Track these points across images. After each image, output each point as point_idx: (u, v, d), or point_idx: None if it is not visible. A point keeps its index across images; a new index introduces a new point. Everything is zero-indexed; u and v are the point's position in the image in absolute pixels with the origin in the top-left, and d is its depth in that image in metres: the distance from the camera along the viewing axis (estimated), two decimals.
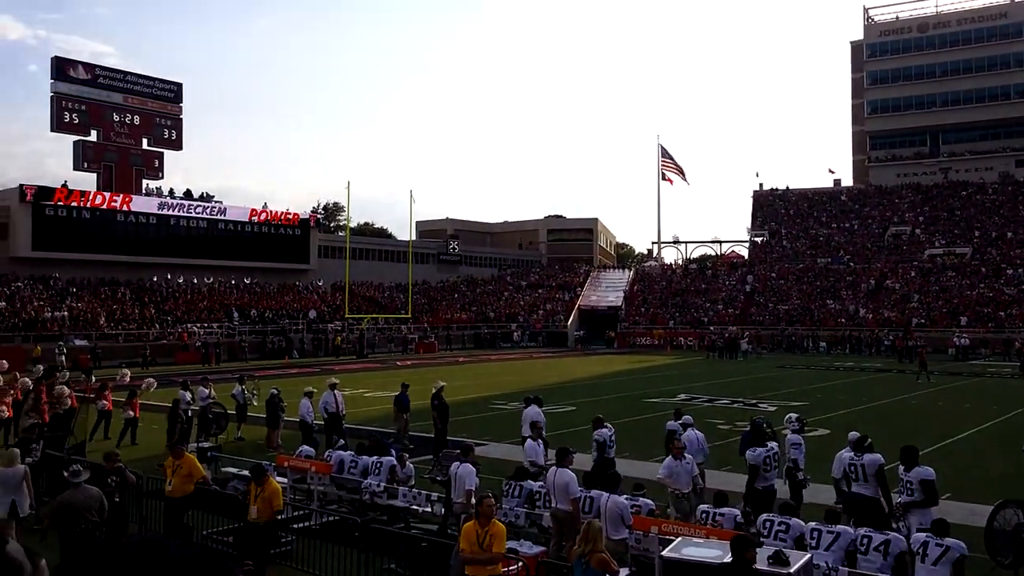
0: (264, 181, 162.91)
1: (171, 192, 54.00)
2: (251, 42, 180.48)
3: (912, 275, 58.89)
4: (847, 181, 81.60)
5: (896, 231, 67.48)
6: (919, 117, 77.19)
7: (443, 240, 76.63)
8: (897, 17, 79.94)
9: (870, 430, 11.54)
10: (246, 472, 12.23)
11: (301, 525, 11.11)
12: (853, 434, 10.44)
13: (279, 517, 9.75)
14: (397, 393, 18.01)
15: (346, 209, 58.89)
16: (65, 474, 8.59)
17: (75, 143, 50.36)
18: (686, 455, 10.49)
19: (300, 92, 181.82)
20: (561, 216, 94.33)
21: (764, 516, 8.29)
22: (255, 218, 56.04)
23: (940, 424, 20.94)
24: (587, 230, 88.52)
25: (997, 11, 74.39)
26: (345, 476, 12.16)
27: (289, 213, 58.78)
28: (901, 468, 9.30)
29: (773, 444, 11.04)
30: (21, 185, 45.71)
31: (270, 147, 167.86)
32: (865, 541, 7.54)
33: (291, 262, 58.15)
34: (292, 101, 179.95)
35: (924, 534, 7.51)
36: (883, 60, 78.95)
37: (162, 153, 54.12)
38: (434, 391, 16.88)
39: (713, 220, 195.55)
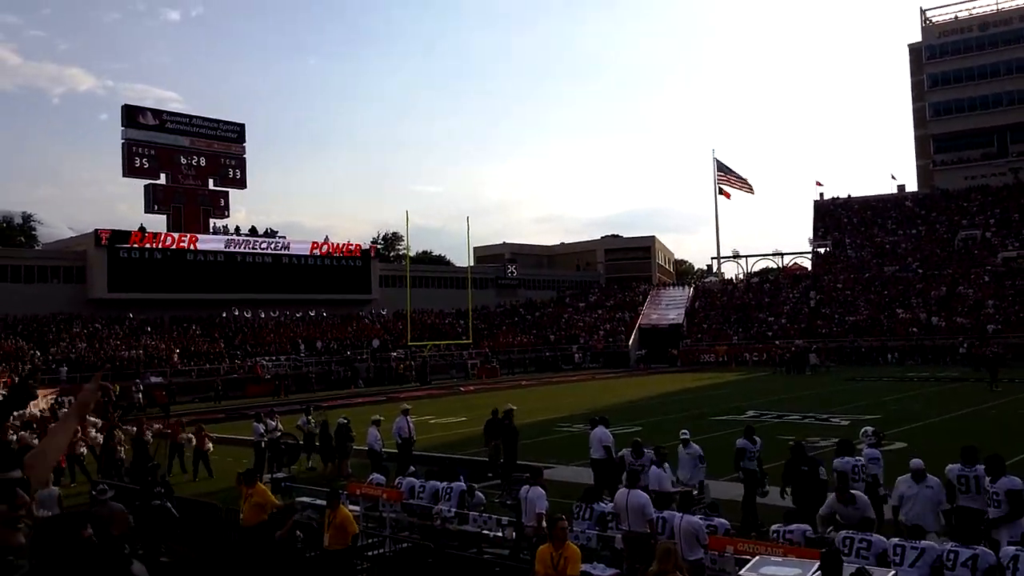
0: (321, 215, 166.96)
1: (237, 230, 55.71)
2: (301, 80, 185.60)
3: (986, 280, 56.80)
4: (911, 187, 79.47)
5: (966, 235, 65.29)
6: (985, 117, 74.84)
7: (501, 264, 77.01)
8: (956, 17, 77.94)
9: (950, 442, 11.16)
10: (320, 501, 12.48)
11: (375, 552, 11.23)
12: (916, 462, 9.54)
13: (357, 544, 9.89)
14: (489, 418, 17.38)
15: (405, 238, 59.87)
16: (93, 492, 9.35)
17: (146, 187, 52.36)
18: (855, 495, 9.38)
19: (350, 126, 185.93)
20: (618, 236, 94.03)
21: (844, 533, 8.10)
22: (317, 251, 57.23)
23: (1022, 434, 20.11)
24: (645, 248, 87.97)
25: None
26: (415, 502, 12.28)
27: (350, 245, 59.87)
28: (987, 480, 8.99)
29: (860, 457, 10.98)
30: (96, 230, 47.71)
31: (325, 182, 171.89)
32: (952, 556, 7.31)
33: (354, 293, 59.13)
34: (344, 134, 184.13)
35: (1014, 547, 7.24)
36: (944, 61, 76.90)
37: (227, 192, 55.88)
38: (502, 414, 16.89)
39: (774, 233, 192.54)
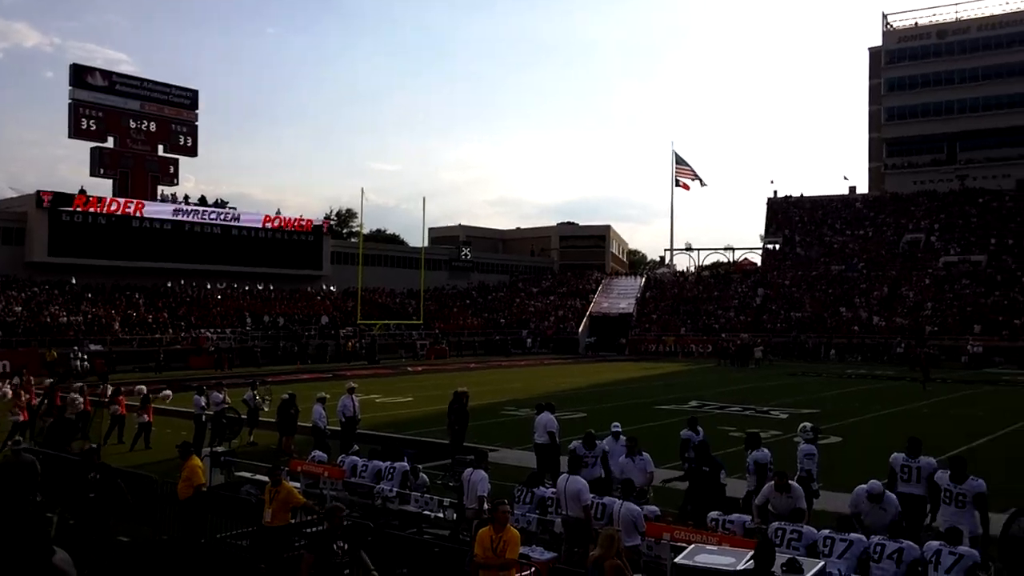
0: (272, 188, 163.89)
1: (186, 198, 54.37)
2: (259, 50, 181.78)
3: (926, 283, 58.46)
4: (862, 188, 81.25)
5: (911, 239, 67.05)
6: (937, 124, 76.91)
7: (455, 247, 76.77)
8: (916, 23, 79.75)
9: (884, 437, 11.48)
10: (260, 476, 12.32)
11: (313, 529, 11.13)
12: (875, 484, 9.14)
13: (292, 521, 9.81)
14: (451, 400, 16.85)
15: (359, 215, 59.39)
16: (9, 443, 9.35)
17: (92, 149, 50.80)
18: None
19: (307, 98, 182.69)
20: (573, 223, 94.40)
21: (776, 524, 8.28)
22: (268, 224, 56.30)
23: (953, 432, 20.76)
24: (599, 237, 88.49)
25: (1017, 17, 74.13)
26: (357, 481, 12.19)
27: (302, 220, 59.04)
28: (946, 476, 9.20)
29: (767, 451, 11.23)
30: (38, 191, 46.16)
31: (278, 154, 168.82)
32: (879, 549, 7.51)
33: (304, 268, 58.40)
34: (299, 108, 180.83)
35: (937, 542, 7.47)
36: (901, 66, 78.74)
37: (177, 160, 54.54)
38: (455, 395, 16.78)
39: (727, 228, 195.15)
